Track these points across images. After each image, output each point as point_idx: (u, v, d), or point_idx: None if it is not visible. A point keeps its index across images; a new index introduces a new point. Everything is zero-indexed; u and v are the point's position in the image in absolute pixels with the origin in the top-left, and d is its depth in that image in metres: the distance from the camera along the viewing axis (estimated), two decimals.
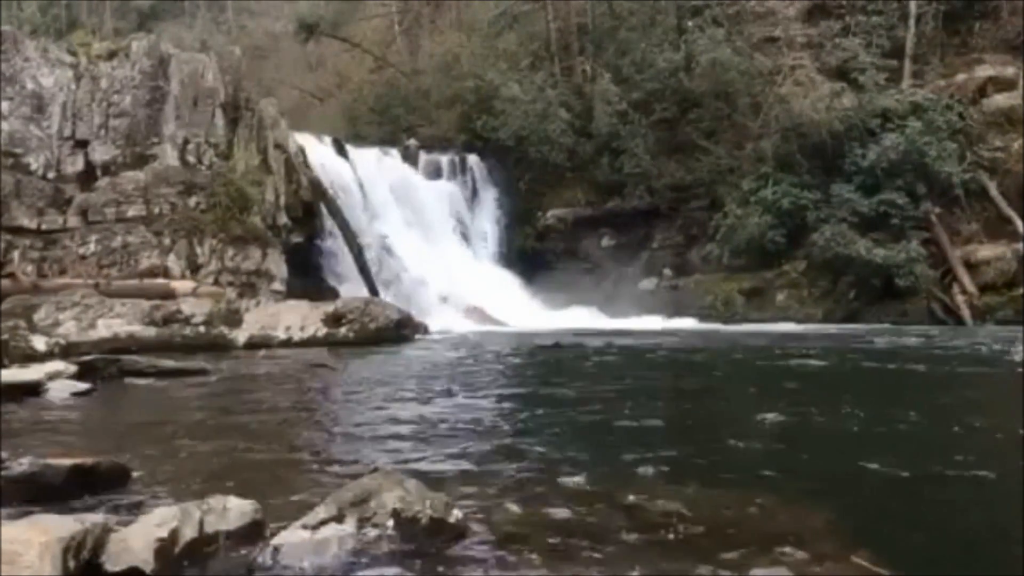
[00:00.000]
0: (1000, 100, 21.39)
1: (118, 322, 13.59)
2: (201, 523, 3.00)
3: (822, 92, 21.45)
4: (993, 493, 4.22)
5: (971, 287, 19.35)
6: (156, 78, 18.08)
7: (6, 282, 15.37)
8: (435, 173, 24.63)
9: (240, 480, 4.22)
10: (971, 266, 19.67)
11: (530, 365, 11.35)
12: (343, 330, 14.75)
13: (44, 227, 16.76)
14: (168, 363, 9.82)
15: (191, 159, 17.90)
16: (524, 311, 20.80)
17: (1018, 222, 19.60)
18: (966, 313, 19.03)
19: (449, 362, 11.55)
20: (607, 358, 11.72)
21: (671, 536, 3.29)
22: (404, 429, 5.97)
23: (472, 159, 25.40)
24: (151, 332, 13.58)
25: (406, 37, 34.97)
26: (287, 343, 14.22)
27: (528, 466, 4.68)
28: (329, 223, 19.94)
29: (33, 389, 7.59)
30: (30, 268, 16.20)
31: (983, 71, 21.88)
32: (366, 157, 22.75)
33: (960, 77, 21.97)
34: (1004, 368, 10.18)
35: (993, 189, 20.41)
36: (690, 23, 24.67)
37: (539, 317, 20.32)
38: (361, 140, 25.27)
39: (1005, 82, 21.61)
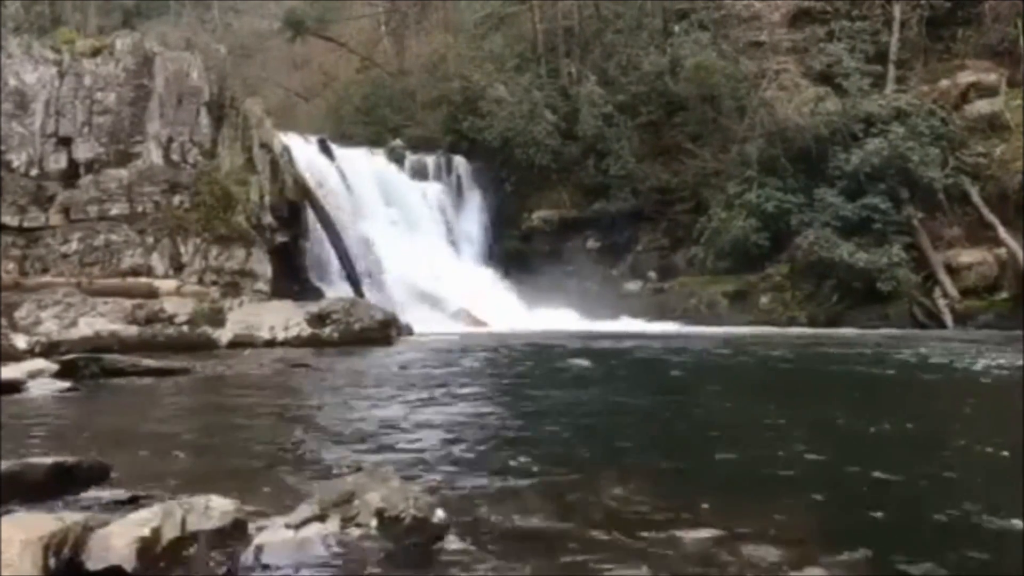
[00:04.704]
0: (982, 106, 21.55)
1: (100, 321, 13.52)
2: (183, 522, 2.99)
3: (806, 96, 21.58)
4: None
5: (953, 291, 19.49)
6: (140, 76, 17.98)
7: None
8: (421, 174, 24.61)
9: (222, 479, 4.21)
10: (953, 271, 19.81)
11: (511, 367, 11.35)
12: (327, 330, 14.72)
13: (26, 225, 16.63)
14: (150, 362, 9.77)
15: (175, 158, 17.81)
16: (509, 313, 20.79)
17: (999, 227, 19.73)
18: (947, 317, 19.17)
19: (432, 363, 11.54)
20: (587, 360, 11.75)
21: (650, 535, 3.30)
22: (387, 429, 5.96)
23: (458, 160, 25.40)
24: (133, 331, 13.51)
25: (392, 37, 34.92)
26: (271, 343, 14.17)
27: (512, 466, 4.68)
28: (314, 223, 19.88)
29: (14, 388, 7.54)
30: (11, 266, 16.07)
31: (966, 77, 22.04)
32: (352, 157, 22.70)
33: (943, 83, 22.12)
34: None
35: (975, 194, 20.55)
36: (676, 27, 24.79)
37: (523, 319, 20.32)
38: (347, 140, 25.22)
39: (987, 88, 21.78)
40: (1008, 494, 4.10)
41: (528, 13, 28.32)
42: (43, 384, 7.94)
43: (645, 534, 3.32)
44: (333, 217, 20.02)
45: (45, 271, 16.21)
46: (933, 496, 4.10)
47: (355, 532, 3.00)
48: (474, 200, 25.30)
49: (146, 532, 2.86)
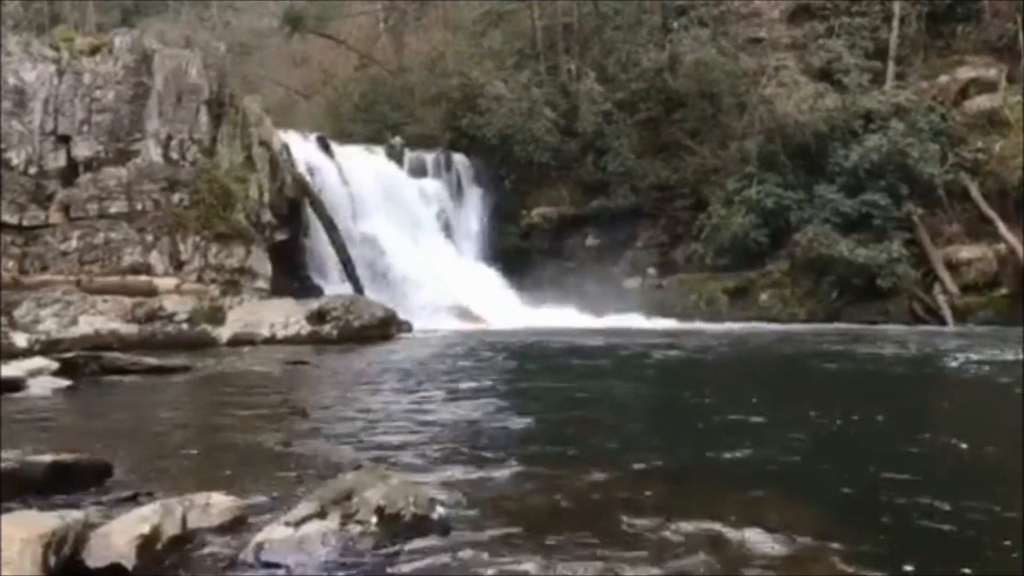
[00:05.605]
0: (982, 102, 21.54)
1: (100, 319, 13.53)
2: (183, 519, 3.00)
3: (806, 93, 21.55)
4: None
5: (952, 287, 19.49)
6: (139, 74, 17.95)
7: None
8: (420, 171, 24.56)
9: (222, 476, 4.21)
10: (952, 267, 19.81)
11: (510, 365, 11.36)
12: (327, 328, 14.74)
13: (26, 223, 16.60)
14: (150, 360, 9.78)
15: (174, 155, 17.78)
16: (508, 309, 20.79)
17: (999, 223, 19.73)
18: (947, 313, 19.16)
19: (431, 360, 11.55)
20: (586, 358, 11.77)
21: (653, 530, 3.31)
22: (387, 426, 5.97)
23: (457, 157, 25.36)
24: (133, 329, 13.52)
25: (391, 35, 34.86)
26: (271, 340, 14.19)
27: (512, 463, 4.69)
28: (313, 221, 19.87)
29: (14, 386, 7.54)
30: (11, 264, 16.05)
31: (965, 73, 22.02)
32: (351, 155, 22.66)
33: (942, 79, 22.10)
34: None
35: (975, 190, 20.54)
36: (675, 23, 24.73)
37: (523, 315, 20.31)
38: (346, 138, 25.17)
39: (987, 84, 21.77)
40: (964, 488, 4.19)
41: (527, 10, 28.29)
42: (43, 382, 7.94)
43: (647, 529, 3.33)
44: (332, 214, 20.01)
45: (45, 269, 16.19)
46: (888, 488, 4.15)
47: (355, 529, 3.00)
48: (473, 197, 25.28)
49: (146, 530, 2.87)
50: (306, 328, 14.65)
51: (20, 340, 11.75)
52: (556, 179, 25.25)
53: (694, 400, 8.06)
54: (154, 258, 16.67)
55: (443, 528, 3.18)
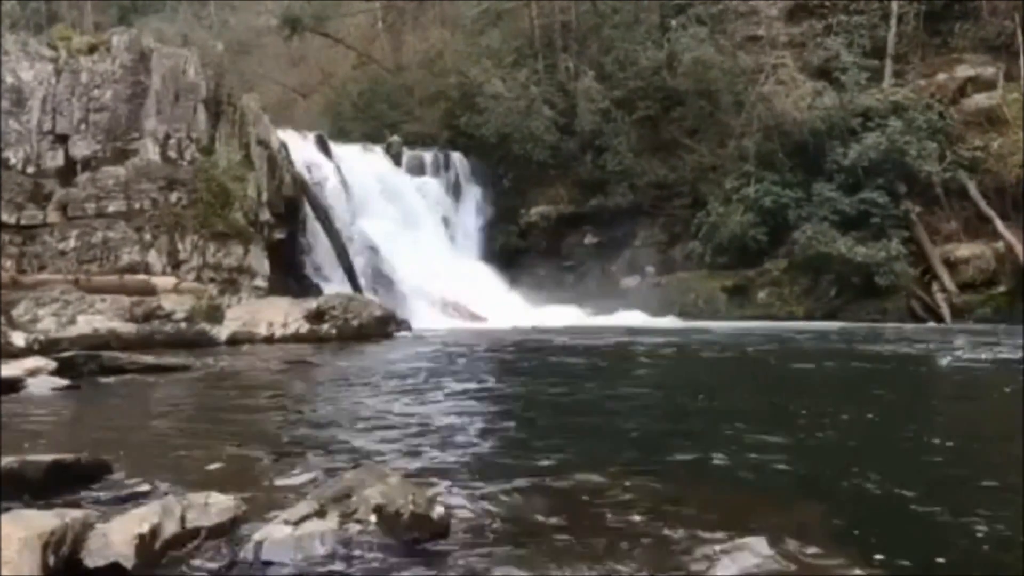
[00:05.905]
0: (980, 100, 21.58)
1: (98, 318, 13.50)
2: (182, 518, 2.99)
3: (804, 91, 21.58)
4: None
5: (951, 285, 19.52)
6: (137, 73, 17.95)
7: None
8: (418, 170, 24.58)
9: (221, 475, 4.21)
10: (951, 264, 19.84)
11: (509, 363, 11.36)
12: (325, 326, 14.72)
13: (23, 222, 16.61)
14: (149, 359, 9.77)
15: (172, 154, 17.78)
16: (507, 308, 20.78)
17: (997, 221, 19.76)
18: (945, 311, 19.19)
19: (430, 359, 11.54)
20: (584, 356, 11.78)
21: (652, 531, 3.31)
22: (385, 424, 5.97)
23: (455, 156, 25.38)
24: (132, 328, 13.48)
25: (389, 33, 34.87)
26: (269, 339, 14.17)
27: (511, 462, 4.69)
28: (312, 219, 19.86)
29: (13, 386, 7.53)
30: (9, 264, 16.04)
31: (963, 71, 22.06)
32: (349, 153, 22.68)
33: (940, 77, 22.14)
34: None
35: (973, 188, 20.57)
36: (673, 21, 24.76)
37: (522, 314, 20.31)
38: (344, 136, 25.19)
39: (985, 82, 21.80)
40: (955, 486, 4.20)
41: (525, 8, 28.30)
42: (42, 382, 7.92)
43: (646, 532, 3.33)
44: (330, 213, 20.01)
45: (43, 268, 16.18)
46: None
47: (354, 528, 3.00)
48: (472, 196, 25.29)
49: (145, 529, 2.86)
50: (304, 327, 14.64)
51: (18, 339, 11.72)
52: (554, 178, 25.28)
53: (690, 400, 8.05)
54: (152, 257, 16.67)
55: (443, 527, 3.18)
